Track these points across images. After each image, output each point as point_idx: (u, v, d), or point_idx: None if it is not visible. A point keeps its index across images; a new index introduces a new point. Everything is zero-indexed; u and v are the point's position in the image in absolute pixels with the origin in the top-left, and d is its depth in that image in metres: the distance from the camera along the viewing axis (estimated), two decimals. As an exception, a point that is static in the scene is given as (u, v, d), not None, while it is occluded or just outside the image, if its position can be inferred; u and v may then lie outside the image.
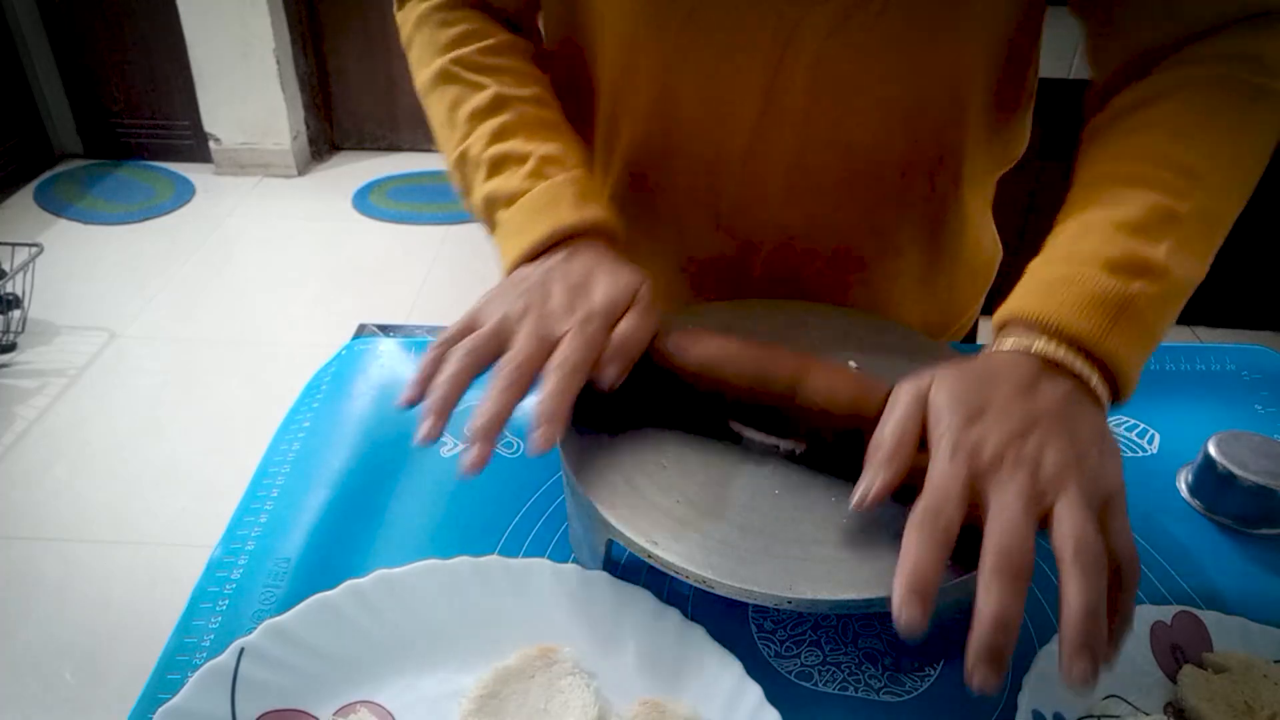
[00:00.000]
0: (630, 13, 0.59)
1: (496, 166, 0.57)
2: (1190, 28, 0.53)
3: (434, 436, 0.45)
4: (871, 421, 0.45)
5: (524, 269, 0.53)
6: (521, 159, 0.57)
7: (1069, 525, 0.38)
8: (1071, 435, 0.41)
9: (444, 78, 0.61)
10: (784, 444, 0.49)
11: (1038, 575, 0.53)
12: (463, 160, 0.60)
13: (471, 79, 0.60)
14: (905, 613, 0.36)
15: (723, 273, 0.71)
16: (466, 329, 0.49)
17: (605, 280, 0.51)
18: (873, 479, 0.41)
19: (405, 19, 0.66)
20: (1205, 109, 0.51)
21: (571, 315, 0.48)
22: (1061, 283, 0.46)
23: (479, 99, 0.59)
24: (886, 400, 0.45)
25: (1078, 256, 0.47)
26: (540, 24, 0.70)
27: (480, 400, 0.45)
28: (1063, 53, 1.90)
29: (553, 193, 0.55)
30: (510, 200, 0.56)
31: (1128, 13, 0.55)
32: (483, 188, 0.58)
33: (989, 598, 0.36)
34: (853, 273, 0.70)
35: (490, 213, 0.58)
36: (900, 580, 0.37)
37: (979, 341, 0.82)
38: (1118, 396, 0.45)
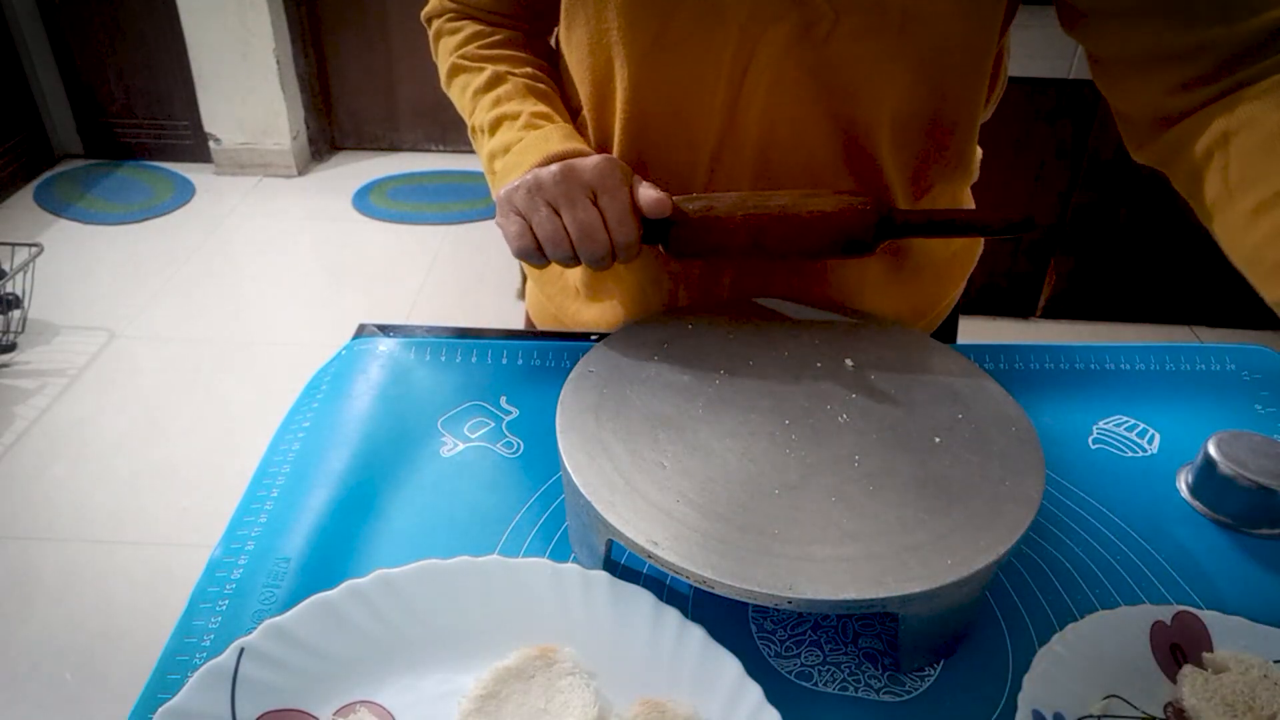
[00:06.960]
0: (604, 35, 0.62)
1: (494, 127, 0.66)
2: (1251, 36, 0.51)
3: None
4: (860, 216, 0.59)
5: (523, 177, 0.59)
6: (515, 117, 0.65)
7: None
8: None
9: (454, 70, 0.71)
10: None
11: (1038, 576, 0.53)
12: (475, 133, 0.69)
13: (474, 66, 0.70)
14: None
15: (694, 281, 0.72)
16: (524, 219, 0.58)
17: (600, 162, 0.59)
18: None
19: (432, 41, 0.76)
20: None
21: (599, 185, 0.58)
22: None
23: (480, 79, 0.69)
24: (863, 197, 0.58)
25: None
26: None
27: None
28: (1064, 51, 1.90)
29: (544, 134, 0.63)
30: (506, 149, 0.64)
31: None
32: (486, 148, 0.66)
33: None
34: (818, 275, 0.71)
35: (492, 167, 0.65)
36: None
37: (958, 339, 0.81)
38: None
